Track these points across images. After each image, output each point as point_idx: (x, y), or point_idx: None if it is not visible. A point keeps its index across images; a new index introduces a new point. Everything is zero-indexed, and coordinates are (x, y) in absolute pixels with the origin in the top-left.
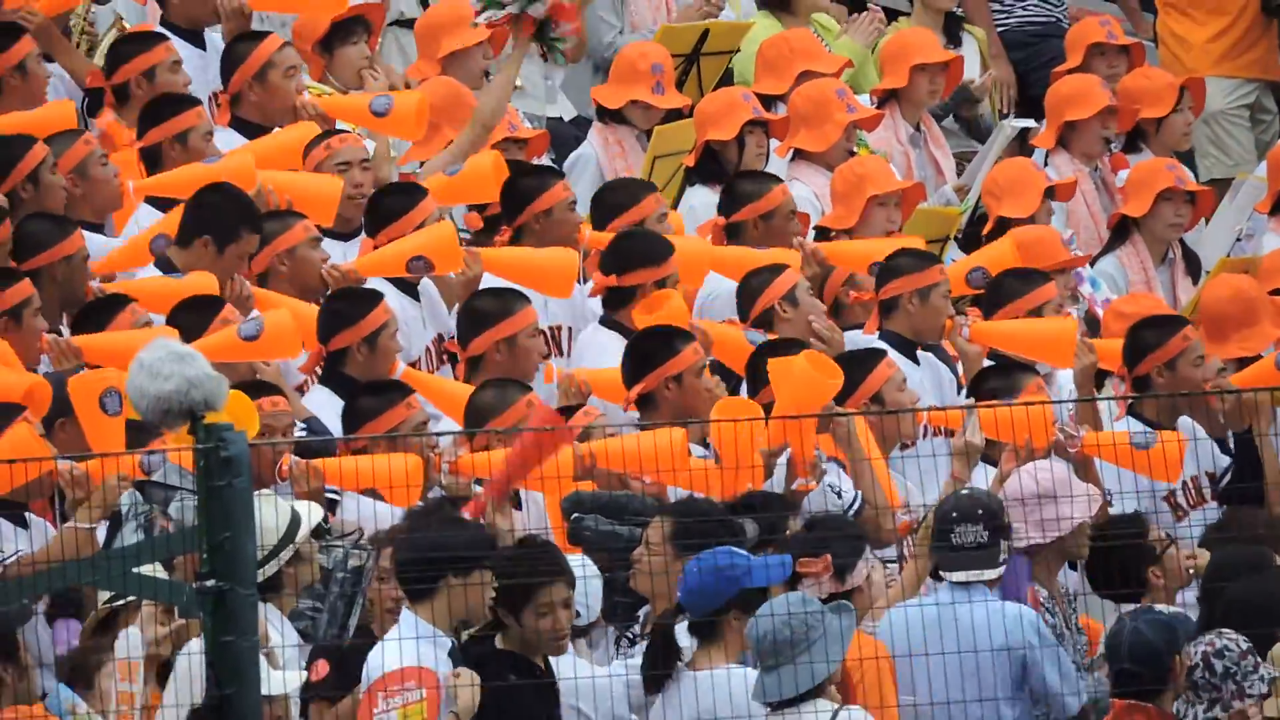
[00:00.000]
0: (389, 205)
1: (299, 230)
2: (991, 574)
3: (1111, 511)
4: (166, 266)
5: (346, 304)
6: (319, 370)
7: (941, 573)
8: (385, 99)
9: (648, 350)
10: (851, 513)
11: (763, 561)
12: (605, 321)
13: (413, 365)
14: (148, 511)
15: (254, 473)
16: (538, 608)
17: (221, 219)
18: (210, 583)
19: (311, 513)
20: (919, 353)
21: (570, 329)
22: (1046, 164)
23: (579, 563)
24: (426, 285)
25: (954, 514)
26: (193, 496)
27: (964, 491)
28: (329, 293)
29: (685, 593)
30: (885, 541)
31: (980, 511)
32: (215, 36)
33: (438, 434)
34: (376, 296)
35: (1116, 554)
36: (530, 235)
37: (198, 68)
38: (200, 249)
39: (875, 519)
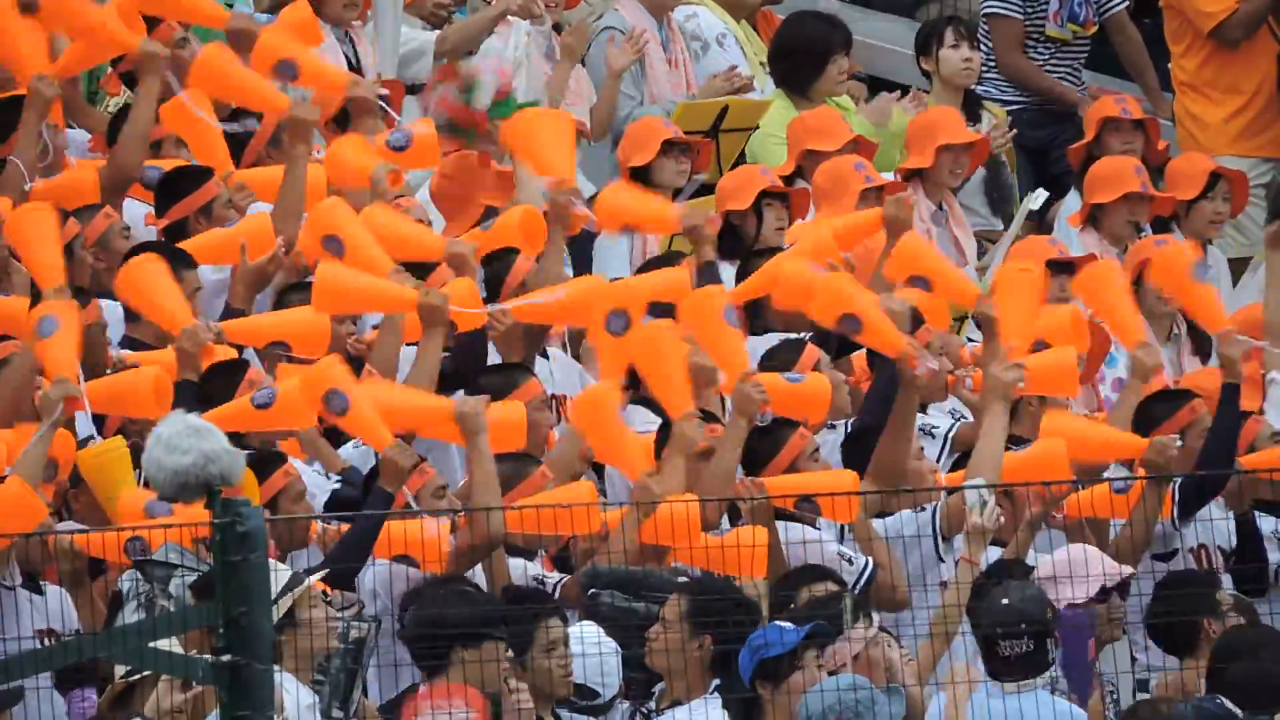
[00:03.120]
0: None
1: None
2: (1043, 679)
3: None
4: None
5: None
6: None
7: (996, 681)
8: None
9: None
10: (863, 581)
11: (777, 629)
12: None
13: None
14: (148, 591)
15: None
16: (543, 647)
17: None
18: (226, 657)
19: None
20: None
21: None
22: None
23: (597, 638)
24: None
25: (999, 630)
26: (192, 574)
27: (1004, 602)
28: None
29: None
30: (899, 605)
31: (1023, 625)
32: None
33: (456, 510)
34: None
35: (1178, 608)
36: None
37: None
38: None
39: (889, 588)
